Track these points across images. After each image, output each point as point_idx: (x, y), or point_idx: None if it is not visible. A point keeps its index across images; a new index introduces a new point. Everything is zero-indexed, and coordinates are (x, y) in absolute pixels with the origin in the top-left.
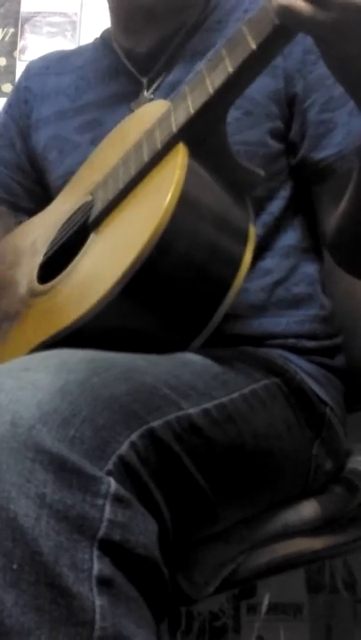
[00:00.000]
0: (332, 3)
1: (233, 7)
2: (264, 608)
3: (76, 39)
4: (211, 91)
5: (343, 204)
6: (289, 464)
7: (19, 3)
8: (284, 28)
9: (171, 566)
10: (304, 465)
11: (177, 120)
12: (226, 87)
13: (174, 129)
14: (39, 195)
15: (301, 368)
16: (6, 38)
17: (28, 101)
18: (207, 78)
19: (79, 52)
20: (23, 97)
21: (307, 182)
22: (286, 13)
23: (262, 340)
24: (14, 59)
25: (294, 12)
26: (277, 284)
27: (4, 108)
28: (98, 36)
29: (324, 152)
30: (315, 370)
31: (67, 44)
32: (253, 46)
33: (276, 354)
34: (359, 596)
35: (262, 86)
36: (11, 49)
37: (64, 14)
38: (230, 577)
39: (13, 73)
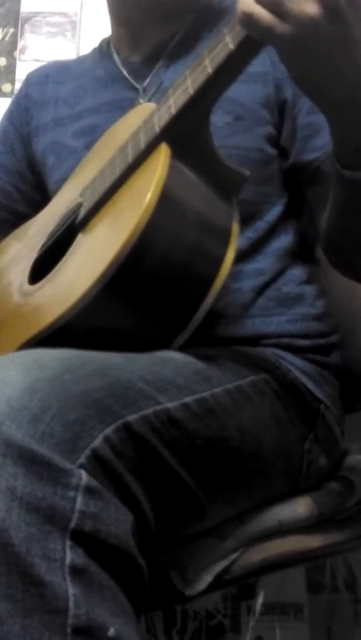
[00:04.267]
0: (288, 13)
1: (228, 19)
2: (259, 607)
3: (76, 39)
4: (191, 91)
5: (327, 211)
6: (279, 459)
7: (19, 3)
8: None
9: (162, 563)
10: (296, 460)
11: (160, 121)
12: (206, 87)
13: (157, 129)
14: (37, 200)
15: (295, 365)
16: (6, 38)
17: (29, 109)
18: (188, 79)
19: (79, 61)
20: (24, 104)
21: (300, 185)
22: (248, 20)
23: (255, 340)
24: (14, 59)
25: (255, 21)
26: (268, 284)
27: (4, 116)
28: (98, 36)
29: (312, 154)
30: (309, 367)
31: (67, 43)
32: (232, 47)
33: (269, 352)
34: (360, 597)
35: (253, 93)
36: (11, 49)
37: (64, 14)
38: (224, 574)
39: (13, 73)
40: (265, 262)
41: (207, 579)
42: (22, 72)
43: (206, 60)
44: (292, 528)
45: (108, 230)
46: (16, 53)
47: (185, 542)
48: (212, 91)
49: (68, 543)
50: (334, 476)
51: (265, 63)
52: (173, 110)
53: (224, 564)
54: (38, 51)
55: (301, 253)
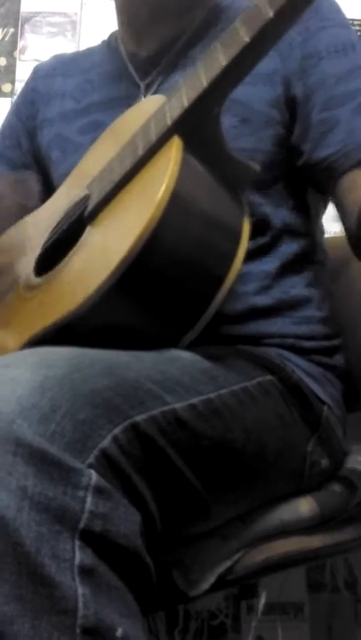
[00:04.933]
0: None
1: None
2: (261, 607)
3: (76, 39)
4: (205, 84)
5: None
6: (283, 460)
7: (19, 3)
8: (276, 21)
9: (165, 563)
10: (299, 461)
11: (171, 113)
12: (219, 80)
13: (169, 122)
14: (43, 193)
15: (299, 366)
16: (6, 38)
17: (35, 102)
18: (201, 72)
19: (86, 54)
20: (30, 98)
21: (307, 187)
22: None
23: (258, 339)
24: (14, 59)
25: None
26: (275, 286)
27: (11, 109)
28: (98, 36)
29: (327, 150)
30: (313, 368)
31: (67, 43)
32: (246, 39)
33: (274, 352)
34: (360, 596)
35: (261, 94)
36: (11, 49)
37: (64, 14)
38: (227, 574)
39: (13, 73)
40: (271, 265)
41: (210, 579)
42: (22, 72)
43: (220, 53)
44: (295, 528)
45: (119, 225)
46: (16, 53)
47: (188, 542)
48: (225, 83)
49: (77, 543)
50: (336, 476)
51: (275, 61)
52: (186, 102)
53: (227, 564)
54: (38, 51)
55: (308, 256)
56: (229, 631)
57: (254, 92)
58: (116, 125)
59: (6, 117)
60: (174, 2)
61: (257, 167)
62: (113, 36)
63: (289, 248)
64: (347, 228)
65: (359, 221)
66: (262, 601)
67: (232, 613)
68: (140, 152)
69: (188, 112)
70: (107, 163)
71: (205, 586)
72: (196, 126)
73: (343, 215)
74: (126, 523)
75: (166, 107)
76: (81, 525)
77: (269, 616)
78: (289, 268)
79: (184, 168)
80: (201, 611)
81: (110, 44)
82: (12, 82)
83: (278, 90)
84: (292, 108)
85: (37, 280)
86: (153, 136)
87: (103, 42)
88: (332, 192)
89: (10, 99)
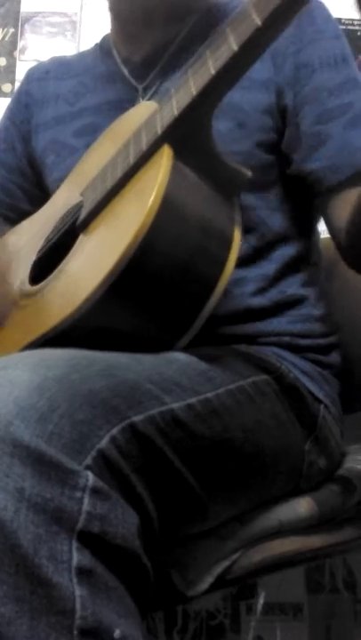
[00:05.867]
0: None
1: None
2: (260, 607)
3: (76, 39)
4: (194, 92)
5: (350, 213)
6: (280, 460)
7: (19, 3)
8: (265, 30)
9: (163, 563)
10: (296, 461)
11: (162, 121)
12: (209, 88)
13: (159, 130)
14: (39, 197)
15: (295, 365)
16: (6, 38)
17: (29, 106)
18: (191, 80)
19: (80, 57)
20: (24, 101)
21: (303, 191)
22: None
23: (254, 338)
24: (14, 59)
25: None
26: (272, 288)
27: (5, 113)
28: (98, 36)
29: (317, 163)
30: (309, 367)
31: (67, 43)
32: (235, 47)
33: (270, 351)
34: (359, 597)
35: (255, 100)
36: (11, 49)
37: (64, 14)
38: (225, 574)
39: (13, 73)
40: (268, 268)
41: (208, 579)
42: (22, 72)
43: (209, 61)
44: (293, 528)
45: (111, 232)
46: (16, 53)
47: (186, 543)
48: (214, 92)
49: (74, 544)
50: (334, 476)
51: (268, 69)
52: (176, 111)
53: (225, 564)
54: (38, 51)
55: (304, 258)
56: (228, 631)
57: (249, 98)
58: (113, 129)
59: (0, 122)
60: (167, 7)
61: (248, 172)
62: (106, 38)
63: (286, 251)
64: (337, 243)
65: (348, 238)
66: (261, 601)
67: (231, 614)
68: (132, 160)
69: (179, 120)
70: (100, 170)
71: (204, 586)
72: (186, 134)
73: (331, 229)
74: (124, 524)
75: (157, 115)
76: (78, 526)
77: (268, 616)
78: (286, 271)
79: (174, 176)
80: (200, 611)
81: (103, 47)
82: (12, 82)
83: (272, 97)
84: (283, 115)
85: (32, 288)
86: (144, 144)
87: (95, 45)
88: (320, 204)
89: (10, 99)
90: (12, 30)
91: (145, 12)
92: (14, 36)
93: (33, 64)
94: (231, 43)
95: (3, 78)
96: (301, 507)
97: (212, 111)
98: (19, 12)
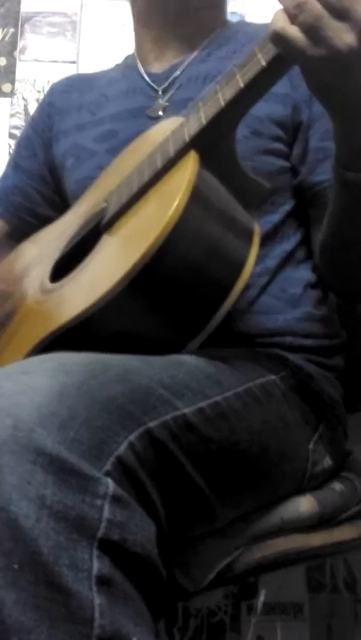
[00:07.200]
0: (324, 39)
1: (249, 40)
2: (260, 607)
3: (76, 39)
4: (222, 103)
5: (323, 225)
6: (285, 460)
7: (19, 3)
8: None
9: (168, 561)
10: (301, 461)
11: (190, 130)
12: (236, 100)
13: (187, 138)
14: (57, 203)
15: (299, 367)
16: (6, 38)
17: (51, 115)
18: (219, 92)
19: (103, 73)
20: (47, 111)
21: (305, 203)
22: (280, 40)
23: (259, 336)
24: (14, 59)
25: (288, 41)
26: (275, 284)
27: (28, 123)
28: (98, 36)
29: (320, 177)
30: (313, 369)
31: (67, 43)
32: (263, 63)
33: (274, 353)
34: (360, 596)
35: (272, 111)
36: (11, 49)
37: (64, 14)
38: (226, 571)
39: (13, 73)
40: (270, 263)
41: (210, 576)
42: (22, 72)
43: (238, 75)
44: (295, 527)
45: (135, 231)
46: (16, 53)
47: (190, 541)
48: (241, 104)
49: (95, 552)
50: (337, 476)
51: (286, 85)
52: (204, 120)
53: (226, 560)
54: (38, 51)
55: (306, 258)
56: (228, 631)
57: (266, 108)
58: (136, 143)
59: (23, 131)
60: (188, 26)
61: (268, 185)
62: (129, 57)
63: (287, 247)
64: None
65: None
66: (261, 599)
67: (232, 613)
68: (159, 165)
69: (206, 129)
70: (125, 177)
71: (205, 582)
72: (212, 143)
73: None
74: (142, 531)
75: (185, 125)
76: (99, 534)
77: (269, 616)
78: (287, 267)
79: (200, 180)
80: (200, 608)
81: (127, 63)
82: (12, 82)
83: (288, 110)
84: (296, 131)
85: (53, 285)
86: (172, 151)
87: (118, 64)
88: (314, 216)
89: (10, 99)
90: (12, 30)
91: (166, 32)
92: (14, 36)
93: (33, 64)
94: (260, 58)
95: (3, 78)
96: (303, 505)
97: (237, 122)
98: (19, 12)
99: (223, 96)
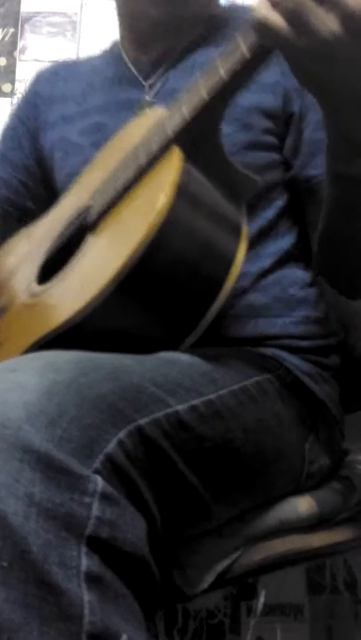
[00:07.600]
0: (307, 26)
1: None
2: (260, 608)
3: (76, 39)
4: (205, 96)
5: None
6: (281, 459)
7: (19, 3)
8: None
9: (164, 562)
10: (297, 460)
11: (172, 124)
12: (219, 92)
13: (170, 132)
14: (42, 196)
15: (295, 366)
16: (6, 38)
17: (37, 105)
18: (202, 85)
19: (88, 60)
20: (32, 101)
21: (300, 198)
22: (263, 29)
23: (258, 341)
24: (14, 59)
25: (271, 30)
26: (273, 284)
27: (12, 113)
28: (98, 36)
29: (315, 170)
30: (309, 367)
31: (67, 43)
32: (245, 52)
33: (270, 352)
34: (360, 597)
35: (261, 101)
36: (11, 49)
37: (64, 14)
38: (225, 573)
39: (13, 73)
40: (266, 262)
41: (209, 578)
42: (22, 72)
43: (220, 66)
44: (293, 527)
45: (121, 231)
46: (16, 53)
47: (186, 542)
48: (224, 95)
49: (83, 550)
50: (335, 475)
51: (275, 73)
52: (186, 114)
53: (225, 562)
54: (38, 51)
55: (303, 256)
56: (228, 632)
57: (255, 99)
58: (120, 136)
59: (7, 121)
60: (174, 18)
61: (258, 179)
62: (115, 43)
63: (284, 245)
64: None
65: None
66: (261, 600)
67: (231, 614)
68: (142, 162)
69: (189, 123)
70: (109, 174)
71: (204, 585)
72: (196, 137)
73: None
74: (133, 530)
75: (167, 118)
76: (88, 532)
77: (269, 617)
78: (285, 267)
79: (184, 176)
80: (200, 610)
81: (113, 51)
82: (12, 82)
83: (278, 101)
84: (287, 122)
85: (40, 287)
86: (154, 146)
87: (104, 50)
88: (310, 212)
89: (10, 99)
90: (12, 30)
91: (152, 24)
92: (14, 36)
93: (33, 64)
94: (242, 48)
95: (3, 78)
96: (302, 506)
97: (221, 115)
98: (19, 12)
99: (205, 88)
